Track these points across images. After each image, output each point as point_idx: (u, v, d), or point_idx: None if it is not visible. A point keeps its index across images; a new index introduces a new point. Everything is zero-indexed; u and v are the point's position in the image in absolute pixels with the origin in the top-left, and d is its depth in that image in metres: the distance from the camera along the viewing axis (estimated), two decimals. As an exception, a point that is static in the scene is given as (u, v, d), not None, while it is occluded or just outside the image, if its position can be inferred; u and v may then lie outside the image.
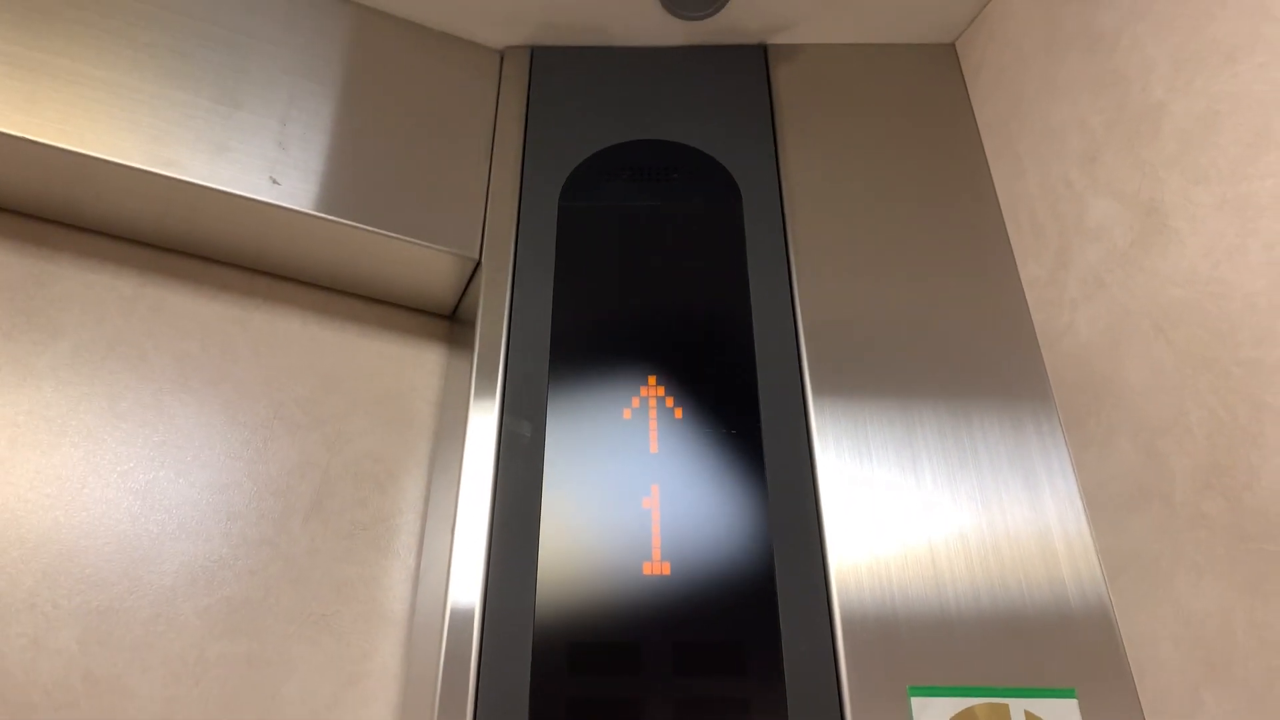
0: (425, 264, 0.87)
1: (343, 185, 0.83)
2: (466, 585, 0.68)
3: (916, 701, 0.62)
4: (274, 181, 0.81)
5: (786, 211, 0.87)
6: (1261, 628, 0.56)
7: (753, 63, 0.96)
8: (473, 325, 0.81)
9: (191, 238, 0.86)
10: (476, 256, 0.84)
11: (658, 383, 0.77)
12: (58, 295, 0.80)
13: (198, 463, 0.78)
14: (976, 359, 0.78)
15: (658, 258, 0.85)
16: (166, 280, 0.85)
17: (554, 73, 0.95)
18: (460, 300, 0.92)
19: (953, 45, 0.97)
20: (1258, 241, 0.60)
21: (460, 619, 0.67)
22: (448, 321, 0.95)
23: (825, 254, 0.84)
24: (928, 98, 0.94)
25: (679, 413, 0.76)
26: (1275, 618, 0.55)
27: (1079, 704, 0.62)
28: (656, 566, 0.69)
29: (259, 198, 0.80)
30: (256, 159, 0.81)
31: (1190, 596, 0.61)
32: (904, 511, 0.70)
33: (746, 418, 0.75)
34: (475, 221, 0.86)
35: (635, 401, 0.77)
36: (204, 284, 0.86)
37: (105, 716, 0.67)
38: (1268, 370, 0.57)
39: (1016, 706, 0.62)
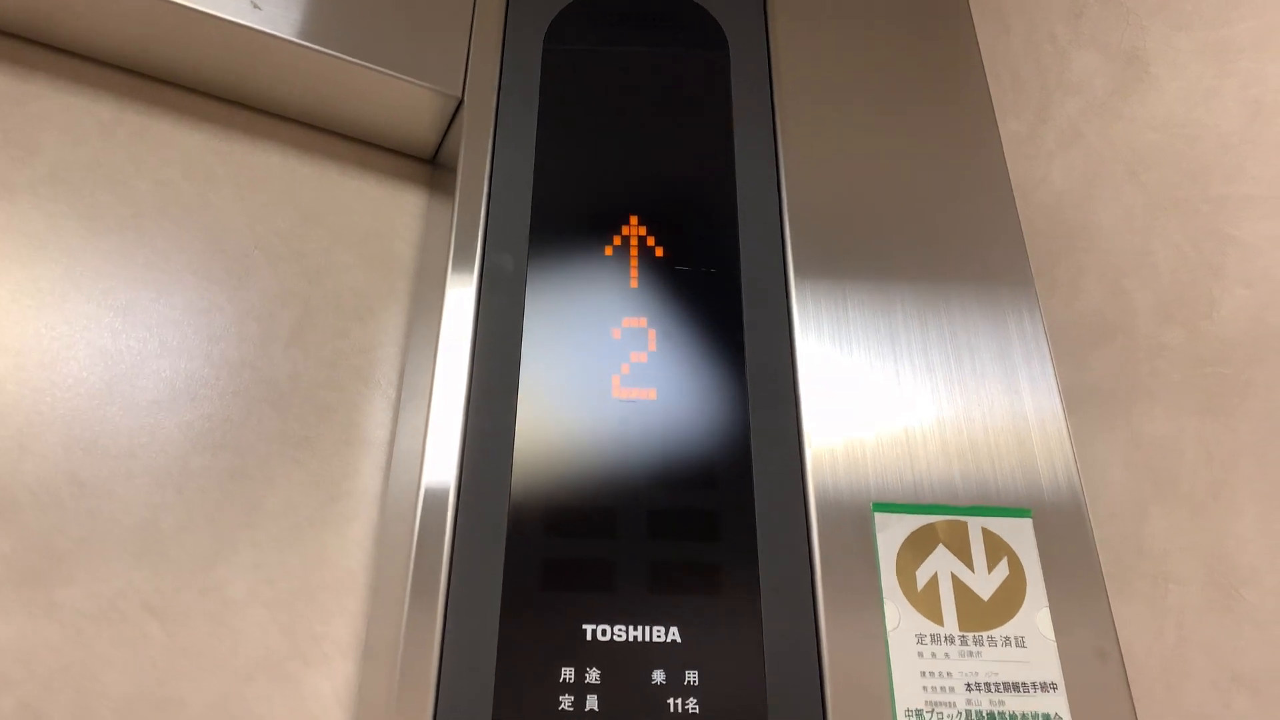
0: (407, 101, 0.86)
1: (324, 14, 0.82)
2: (448, 410, 0.70)
3: (880, 517, 0.65)
4: (255, 6, 0.80)
5: (773, 67, 0.87)
6: (1210, 444, 0.59)
7: (744, -87, 0.95)
8: (454, 171, 0.81)
9: (172, 64, 0.85)
10: (459, 95, 0.84)
11: (639, 222, 0.78)
12: (35, 114, 0.79)
13: (178, 285, 0.78)
14: (955, 220, 0.79)
15: (642, 102, 0.85)
16: (147, 107, 0.84)
17: (542, -88, 0.94)
18: (442, 143, 0.92)
19: (945, -95, 0.97)
20: (1235, 83, 0.61)
21: (442, 441, 0.68)
22: (429, 166, 0.95)
23: (810, 110, 0.85)
24: (918, -42, 0.94)
25: (660, 251, 0.77)
26: (1223, 434, 0.58)
27: (1033, 522, 0.65)
28: (631, 391, 0.71)
29: (240, 20, 0.78)
30: (237, -17, 0.80)
31: (1144, 421, 0.64)
32: (875, 334, 0.73)
33: (726, 257, 0.77)
34: (459, 59, 0.85)
35: (617, 240, 0.78)
36: (185, 113, 0.85)
37: (90, 518, 0.69)
38: (1234, 204, 0.59)
39: (974, 524, 0.65)
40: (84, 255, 0.76)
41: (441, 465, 0.67)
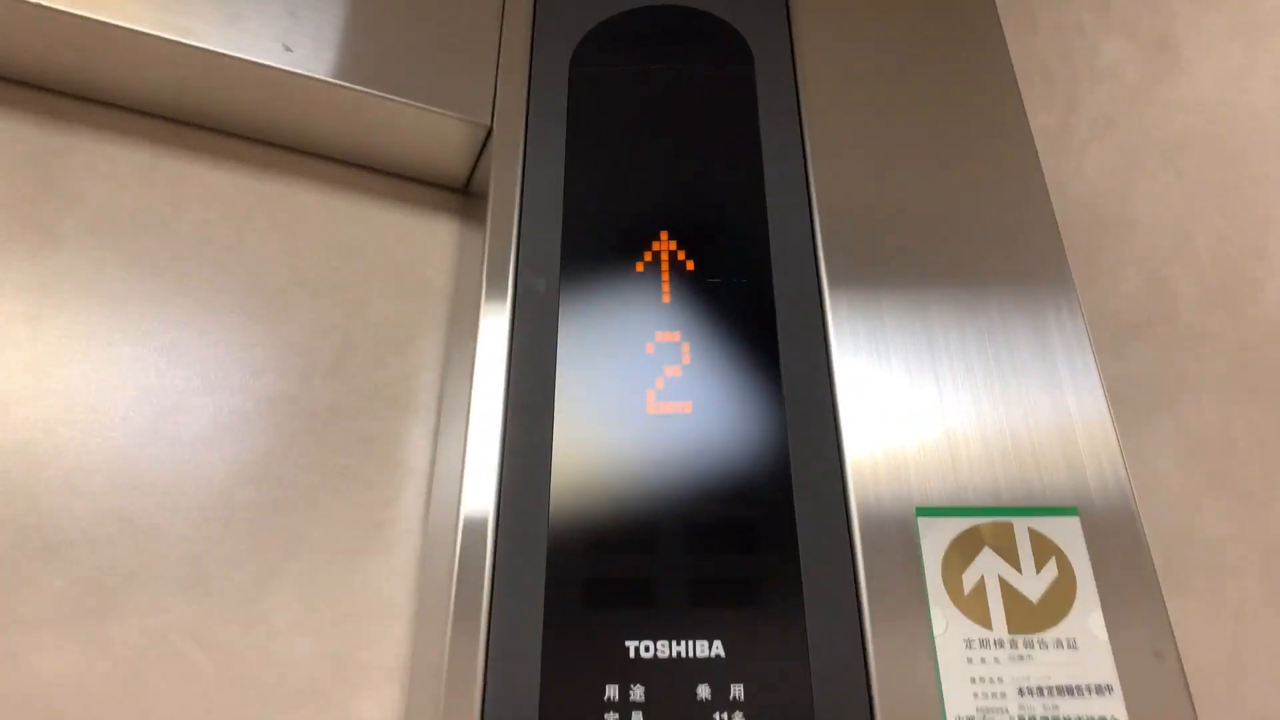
0: (438, 133, 0.87)
1: (354, 51, 0.84)
2: (485, 433, 0.70)
3: (923, 522, 0.64)
4: (286, 49, 0.82)
5: (799, 78, 0.87)
6: (1261, 431, 0.57)
7: (764, -73, 0.95)
8: (485, 198, 0.82)
9: (207, 110, 0.87)
10: (488, 123, 0.85)
11: (669, 237, 0.78)
12: (77, 165, 0.82)
13: (220, 323, 0.80)
14: (989, 221, 0.78)
15: (670, 120, 0.85)
16: (183, 152, 0.86)
17: (564, -61, 0.95)
18: (473, 172, 0.93)
19: (965, -95, 0.96)
20: (1267, 59, 0.60)
21: (480, 464, 0.69)
22: (461, 195, 0.96)
23: (837, 119, 0.84)
24: (940, -41, 0.93)
25: (690, 265, 0.77)
26: (1274, 420, 0.56)
27: (1080, 521, 0.63)
28: (666, 405, 0.71)
29: (272, 64, 0.80)
30: (269, 26, 0.81)
31: (1192, 412, 0.62)
32: (912, 338, 0.71)
33: (758, 268, 0.76)
34: (487, 88, 0.86)
35: (648, 256, 0.78)
36: (221, 156, 0.88)
37: (139, 554, 0.70)
38: (1274, 184, 0.58)
39: (1020, 524, 0.63)
40: (128, 299, 0.78)
41: (480, 488, 0.68)
